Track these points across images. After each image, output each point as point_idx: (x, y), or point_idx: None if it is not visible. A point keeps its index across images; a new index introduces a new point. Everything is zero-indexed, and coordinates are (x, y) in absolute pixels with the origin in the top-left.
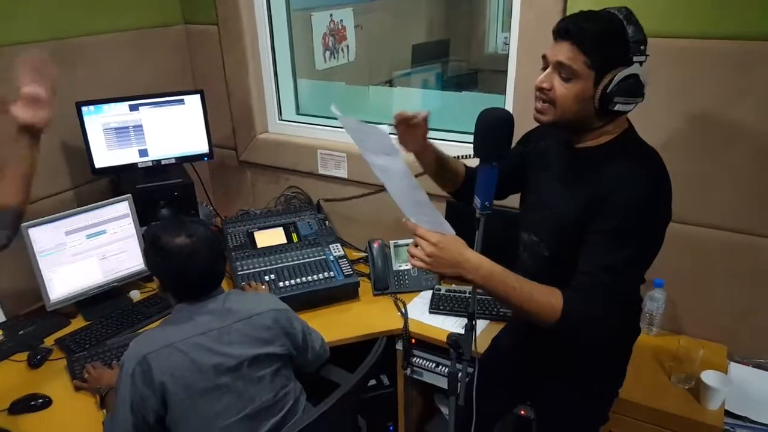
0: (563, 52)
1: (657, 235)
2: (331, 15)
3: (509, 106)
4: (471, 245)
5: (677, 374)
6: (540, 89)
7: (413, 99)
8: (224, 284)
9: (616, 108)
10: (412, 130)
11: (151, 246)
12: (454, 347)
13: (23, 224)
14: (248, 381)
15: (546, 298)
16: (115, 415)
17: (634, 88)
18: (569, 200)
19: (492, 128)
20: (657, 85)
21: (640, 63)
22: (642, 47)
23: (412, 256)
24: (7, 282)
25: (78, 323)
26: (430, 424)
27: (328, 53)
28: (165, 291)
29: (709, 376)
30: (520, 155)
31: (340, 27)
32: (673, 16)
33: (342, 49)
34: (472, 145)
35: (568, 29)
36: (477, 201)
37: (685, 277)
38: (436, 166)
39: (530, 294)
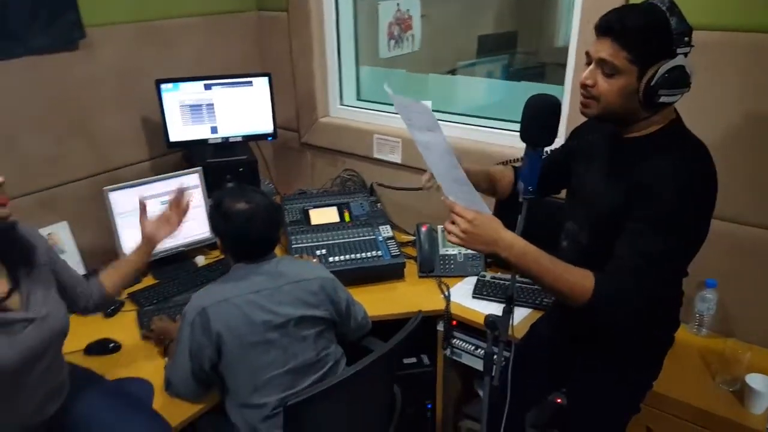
0: (605, 49)
1: (698, 228)
2: (398, 4)
3: (567, 98)
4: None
5: (722, 376)
6: (584, 86)
7: (471, 87)
8: (278, 253)
9: (660, 100)
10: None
11: (215, 209)
12: (491, 328)
13: (105, 188)
14: (293, 339)
15: (578, 279)
16: (175, 360)
17: (679, 80)
18: (611, 189)
19: (538, 114)
20: (719, 82)
21: (685, 54)
22: (686, 38)
23: (449, 232)
24: (89, 239)
25: (148, 281)
26: (468, 406)
27: (392, 42)
28: (225, 251)
29: (754, 379)
30: (568, 150)
31: (406, 16)
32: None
33: (407, 39)
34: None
35: (609, 25)
36: (521, 185)
37: (739, 279)
38: (484, 182)
39: (562, 274)
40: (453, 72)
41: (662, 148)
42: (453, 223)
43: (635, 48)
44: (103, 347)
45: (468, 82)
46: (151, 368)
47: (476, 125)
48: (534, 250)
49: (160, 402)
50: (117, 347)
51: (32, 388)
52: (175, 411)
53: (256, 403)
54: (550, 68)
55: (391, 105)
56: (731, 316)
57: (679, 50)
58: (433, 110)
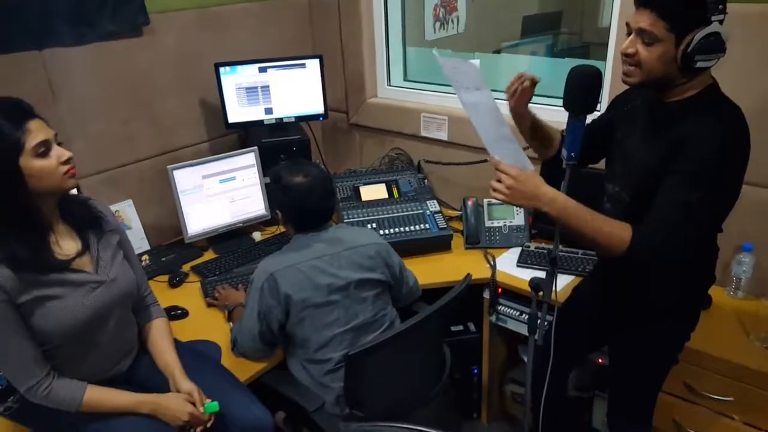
0: (644, 19)
1: (732, 184)
2: None
3: (609, 71)
4: None
5: (756, 333)
6: (626, 54)
7: (516, 65)
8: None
9: (698, 65)
10: (523, 93)
11: (275, 183)
12: (536, 289)
13: (169, 166)
14: (354, 300)
15: (616, 230)
16: (243, 322)
17: (714, 46)
18: (651, 149)
19: (580, 83)
20: (756, 52)
21: (720, 21)
22: (720, 6)
23: (494, 189)
24: (153, 217)
25: (209, 255)
26: (513, 371)
27: (438, 24)
28: (286, 223)
29: None
30: (607, 119)
31: None
32: None
33: (452, 20)
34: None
35: None
36: (564, 152)
37: None
38: (532, 130)
39: (601, 226)
40: (498, 52)
41: (700, 110)
42: (498, 181)
43: (672, 17)
44: (171, 313)
45: (513, 60)
46: (216, 332)
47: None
48: (574, 204)
49: (227, 362)
50: (185, 313)
51: (105, 345)
52: (242, 368)
53: (320, 359)
54: (594, 48)
55: (438, 84)
56: (767, 280)
57: (713, 18)
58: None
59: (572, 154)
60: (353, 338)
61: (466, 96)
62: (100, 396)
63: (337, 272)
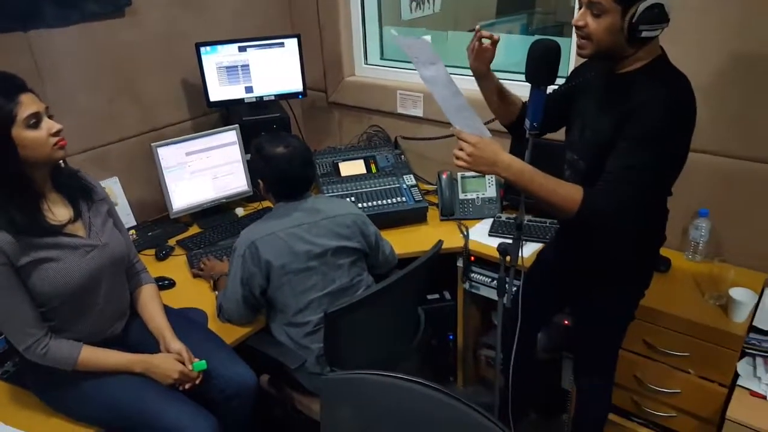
0: None
1: (677, 149)
2: None
3: (573, 45)
4: None
5: (710, 292)
6: (577, 27)
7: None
8: None
9: (642, 35)
10: (481, 53)
11: (257, 153)
12: (503, 254)
13: (153, 143)
14: (331, 266)
15: (569, 191)
16: (227, 289)
17: (658, 16)
18: (603, 118)
19: (540, 56)
20: (707, 22)
21: None
22: None
23: (457, 157)
24: (139, 193)
25: (193, 230)
26: (486, 336)
27: (414, 4)
28: (268, 192)
29: (737, 292)
30: (566, 90)
31: None
32: None
33: (428, 1)
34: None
35: None
36: (527, 122)
37: (730, 208)
38: (495, 95)
39: (555, 188)
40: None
41: (647, 80)
42: (460, 149)
43: None
44: (159, 283)
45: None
46: (203, 301)
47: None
48: (530, 168)
49: (213, 327)
50: (172, 284)
51: (100, 308)
52: (228, 333)
53: (299, 322)
54: (568, 27)
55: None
56: (723, 243)
57: None
58: (452, 66)
59: (534, 123)
60: (330, 302)
61: (424, 71)
62: (94, 355)
63: (315, 240)
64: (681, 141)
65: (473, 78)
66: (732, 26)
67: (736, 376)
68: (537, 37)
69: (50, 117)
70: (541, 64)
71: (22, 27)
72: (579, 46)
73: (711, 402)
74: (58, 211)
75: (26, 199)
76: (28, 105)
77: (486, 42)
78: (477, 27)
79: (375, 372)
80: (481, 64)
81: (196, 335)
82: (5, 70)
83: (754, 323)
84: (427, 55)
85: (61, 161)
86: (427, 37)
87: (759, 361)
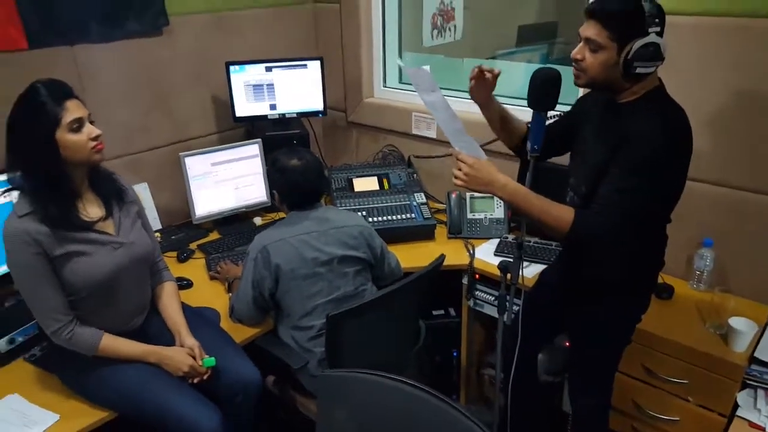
0: (590, 29)
1: (670, 176)
2: None
3: None
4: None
5: (711, 320)
6: (574, 59)
7: (510, 72)
8: None
9: (637, 71)
10: (482, 84)
11: (272, 165)
12: (504, 271)
13: (181, 153)
14: (336, 274)
15: (560, 212)
16: (239, 291)
17: (652, 54)
18: (601, 146)
19: (541, 83)
20: (713, 60)
21: (657, 33)
22: (657, 20)
23: (455, 177)
24: (166, 199)
25: (213, 236)
26: (490, 355)
27: (435, 31)
28: (281, 203)
29: (736, 321)
30: (570, 117)
31: (449, 8)
32: None
33: (449, 29)
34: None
35: (593, 10)
36: (528, 145)
37: (734, 239)
38: (498, 120)
39: (548, 208)
40: (493, 59)
41: (644, 110)
42: (459, 169)
43: (614, 28)
44: (178, 283)
45: (507, 66)
46: (217, 301)
47: (510, 105)
48: (524, 189)
49: (225, 326)
50: (189, 284)
51: (122, 302)
52: (238, 332)
53: (304, 326)
54: None
55: None
56: (728, 273)
57: (650, 29)
58: (465, 91)
59: (535, 146)
60: (334, 308)
61: (425, 96)
62: (114, 343)
63: (323, 247)
64: (675, 170)
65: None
66: (735, 61)
67: (736, 406)
68: (539, 65)
69: (92, 123)
70: (541, 90)
71: (70, 42)
72: (575, 76)
73: (709, 431)
74: (92, 209)
75: (63, 195)
76: (73, 110)
77: (488, 75)
78: (477, 66)
79: (370, 371)
80: (480, 94)
81: (209, 332)
82: (49, 78)
83: (755, 354)
84: (427, 82)
85: (98, 164)
86: (426, 67)
87: (760, 393)
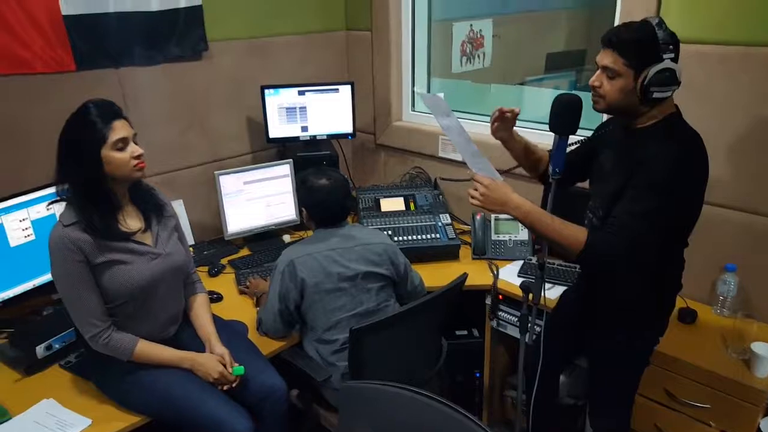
0: (607, 58)
1: (684, 200)
2: (471, 25)
3: None
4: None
5: (733, 346)
6: (592, 87)
7: (539, 98)
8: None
9: (654, 96)
10: (503, 122)
11: (302, 184)
12: (525, 291)
13: (216, 171)
14: (360, 289)
15: (573, 232)
16: (267, 303)
17: (668, 79)
18: (618, 170)
19: (563, 109)
20: (737, 87)
21: (671, 59)
22: (671, 46)
23: (471, 196)
24: (199, 216)
25: (244, 252)
26: (513, 377)
27: (464, 59)
28: (309, 220)
29: (759, 347)
30: (591, 142)
31: (478, 36)
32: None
33: (478, 56)
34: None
35: (610, 39)
36: (550, 168)
37: (758, 264)
38: (522, 151)
39: (560, 228)
40: (522, 85)
41: (660, 135)
42: (475, 189)
43: (630, 55)
44: (208, 297)
45: (536, 92)
46: (245, 315)
47: (534, 129)
48: (538, 209)
49: (252, 338)
50: (220, 298)
51: (157, 310)
52: (265, 345)
53: (328, 339)
54: None
55: (456, 111)
56: (751, 298)
57: (665, 56)
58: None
59: (557, 169)
60: (357, 324)
61: (441, 121)
62: (148, 349)
63: (347, 264)
64: (688, 194)
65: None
66: (758, 89)
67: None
68: (587, 94)
69: (136, 142)
70: (563, 115)
71: (115, 64)
72: (593, 101)
73: None
74: (132, 221)
75: (106, 207)
76: (118, 130)
77: (508, 114)
78: (498, 108)
79: (391, 383)
80: (502, 132)
81: (237, 343)
82: (101, 98)
83: None
84: (442, 108)
85: (138, 180)
86: (441, 94)
87: None
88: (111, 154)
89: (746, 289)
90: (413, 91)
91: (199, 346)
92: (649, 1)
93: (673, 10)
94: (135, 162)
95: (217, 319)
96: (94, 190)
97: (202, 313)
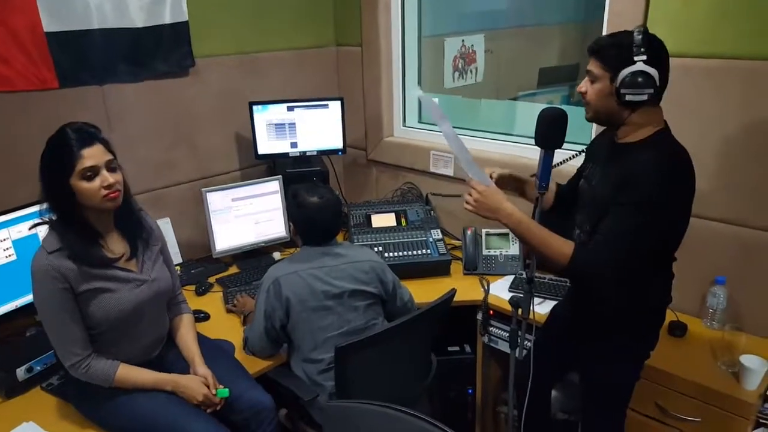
0: (591, 64)
1: (669, 216)
2: (462, 41)
3: None
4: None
5: (722, 358)
6: (580, 92)
7: (532, 113)
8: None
9: (627, 98)
10: (502, 185)
11: (292, 199)
12: (515, 306)
13: (204, 188)
14: (347, 308)
15: (560, 245)
16: (253, 322)
17: (641, 82)
18: (605, 184)
19: (547, 123)
20: (723, 101)
21: (644, 62)
22: (642, 49)
23: (466, 202)
24: (187, 234)
25: (232, 270)
26: (506, 393)
27: (457, 74)
28: (297, 234)
29: (748, 359)
30: (583, 163)
31: (470, 51)
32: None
33: (470, 71)
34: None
35: (593, 47)
36: (535, 181)
37: (747, 276)
38: (523, 188)
39: (547, 239)
40: (514, 100)
41: (646, 150)
42: (469, 195)
43: (604, 58)
44: (195, 316)
45: (511, 106)
46: (232, 334)
47: (524, 144)
48: (528, 220)
49: (238, 358)
50: (206, 317)
51: (141, 334)
52: (251, 364)
53: (314, 359)
54: None
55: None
56: (741, 311)
57: (636, 58)
58: (483, 131)
59: (543, 183)
60: (344, 342)
61: (442, 126)
62: (130, 374)
63: (333, 282)
64: (673, 210)
65: (503, 142)
66: (745, 102)
67: None
68: (581, 109)
69: (112, 169)
70: (547, 129)
71: (99, 81)
72: (585, 110)
73: None
74: (116, 247)
75: (85, 235)
76: (89, 158)
77: (494, 176)
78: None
79: (375, 403)
80: (511, 189)
81: (223, 362)
82: (81, 121)
83: None
84: (437, 111)
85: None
86: (435, 99)
87: None
88: (79, 184)
89: (736, 301)
90: (404, 107)
91: (183, 367)
92: (636, 16)
93: (659, 24)
94: (104, 192)
95: (202, 339)
96: (70, 219)
97: (186, 333)
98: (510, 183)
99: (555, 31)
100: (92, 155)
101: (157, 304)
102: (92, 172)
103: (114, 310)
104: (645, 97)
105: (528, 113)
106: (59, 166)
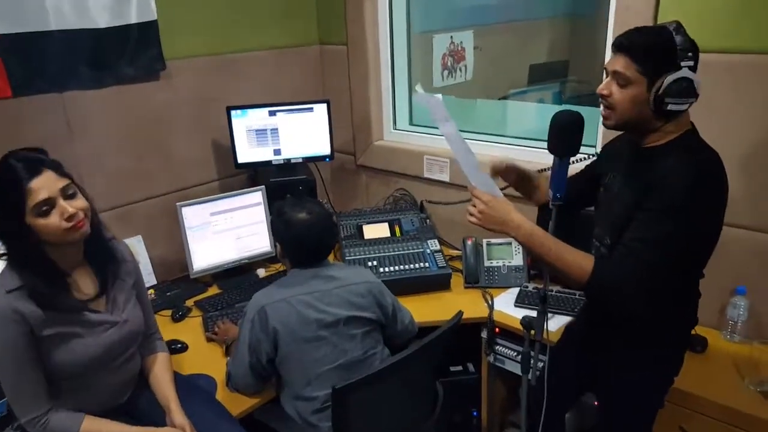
0: (619, 63)
1: (700, 224)
2: (451, 37)
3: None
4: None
5: (750, 377)
6: (601, 95)
7: (523, 112)
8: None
9: (668, 108)
10: (504, 176)
11: (277, 216)
12: (527, 328)
13: (178, 203)
14: (342, 337)
15: (578, 259)
16: (236, 355)
17: (685, 90)
18: (628, 192)
19: (563, 128)
20: (746, 99)
21: (689, 67)
22: (689, 53)
23: (470, 213)
24: (162, 252)
25: (213, 291)
26: (512, 414)
27: (446, 72)
28: (284, 256)
29: None
30: (595, 165)
31: (459, 48)
32: None
33: (460, 69)
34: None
35: (622, 43)
36: (550, 193)
37: None
38: (526, 186)
39: (564, 254)
40: (505, 99)
41: (674, 154)
42: (474, 206)
43: (644, 61)
44: (171, 347)
45: (506, 105)
46: (214, 366)
47: (523, 146)
48: (540, 231)
49: (222, 395)
50: (184, 348)
51: (109, 379)
52: (236, 403)
53: (308, 396)
54: None
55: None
56: (763, 323)
57: (683, 63)
58: (479, 133)
59: (558, 194)
60: (341, 377)
61: (443, 127)
62: (96, 428)
63: (326, 308)
64: (705, 220)
65: (497, 144)
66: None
67: None
68: (560, 106)
69: (70, 196)
70: (563, 135)
71: (59, 89)
72: (603, 116)
73: None
74: (84, 286)
75: (51, 277)
76: (37, 192)
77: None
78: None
79: None
80: (510, 184)
81: (202, 407)
82: (24, 147)
83: None
84: (439, 111)
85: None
86: (439, 96)
87: None
88: (36, 221)
89: (758, 312)
90: (394, 108)
91: (158, 413)
92: (646, 8)
93: (671, 16)
94: (67, 225)
95: (179, 377)
96: (32, 259)
97: (161, 375)
98: (508, 176)
99: (544, 24)
100: (43, 185)
101: (128, 346)
102: (48, 206)
103: (79, 357)
104: (687, 106)
105: (522, 113)
106: (9, 206)
